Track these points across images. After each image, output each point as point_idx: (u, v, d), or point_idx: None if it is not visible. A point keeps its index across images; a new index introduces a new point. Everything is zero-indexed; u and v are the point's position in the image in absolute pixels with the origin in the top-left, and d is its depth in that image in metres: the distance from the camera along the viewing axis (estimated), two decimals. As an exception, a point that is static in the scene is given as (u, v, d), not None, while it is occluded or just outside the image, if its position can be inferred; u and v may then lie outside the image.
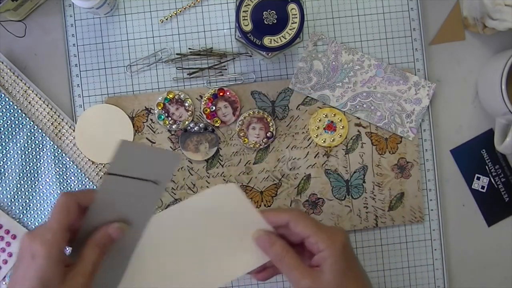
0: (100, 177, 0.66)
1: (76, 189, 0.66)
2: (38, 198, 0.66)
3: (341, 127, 0.68)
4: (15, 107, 0.66)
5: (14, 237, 0.66)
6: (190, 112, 0.67)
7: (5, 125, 0.66)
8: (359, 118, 0.68)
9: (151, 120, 0.67)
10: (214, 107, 0.67)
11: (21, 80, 0.66)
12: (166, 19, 0.67)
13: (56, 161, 0.66)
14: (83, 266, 0.47)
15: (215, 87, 0.67)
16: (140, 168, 0.51)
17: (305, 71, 0.67)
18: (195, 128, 0.67)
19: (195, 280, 0.54)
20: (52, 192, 0.66)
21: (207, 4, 0.67)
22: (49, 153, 0.66)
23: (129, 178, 0.51)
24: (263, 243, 0.52)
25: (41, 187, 0.66)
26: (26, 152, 0.66)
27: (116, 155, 0.50)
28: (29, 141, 0.66)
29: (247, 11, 0.57)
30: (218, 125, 0.67)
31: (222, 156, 0.68)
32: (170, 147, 0.67)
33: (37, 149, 0.66)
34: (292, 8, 0.57)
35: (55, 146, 0.66)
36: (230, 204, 0.53)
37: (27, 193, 0.66)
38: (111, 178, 0.50)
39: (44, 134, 0.66)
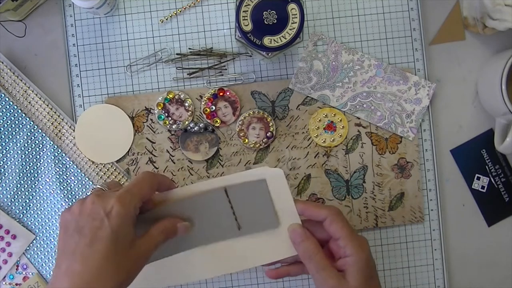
0: (100, 177, 0.66)
1: (76, 189, 0.66)
2: (38, 198, 0.66)
3: (341, 127, 0.68)
4: (15, 107, 0.66)
5: (14, 237, 0.66)
6: (190, 112, 0.67)
7: (5, 125, 0.66)
8: (359, 118, 0.68)
9: (151, 120, 0.67)
10: (214, 107, 0.67)
11: (21, 80, 0.66)
12: (166, 19, 0.67)
13: (56, 161, 0.66)
14: (149, 241, 0.48)
15: (215, 87, 0.67)
16: (244, 208, 0.54)
17: (305, 71, 0.67)
18: (195, 128, 0.67)
19: (213, 262, 0.55)
20: (52, 192, 0.66)
21: (207, 4, 0.67)
22: (49, 153, 0.66)
23: (230, 207, 0.54)
24: (297, 237, 0.52)
25: (41, 187, 0.66)
26: (26, 152, 0.66)
27: (253, 185, 0.53)
28: (29, 141, 0.66)
29: (247, 11, 0.57)
30: (218, 125, 0.67)
31: (222, 156, 0.68)
32: (170, 147, 0.67)
33: (37, 149, 0.66)
34: (292, 8, 0.57)
35: (55, 146, 0.66)
36: (271, 188, 0.54)
37: (27, 193, 0.66)
38: (218, 193, 0.53)
39: (44, 134, 0.66)
